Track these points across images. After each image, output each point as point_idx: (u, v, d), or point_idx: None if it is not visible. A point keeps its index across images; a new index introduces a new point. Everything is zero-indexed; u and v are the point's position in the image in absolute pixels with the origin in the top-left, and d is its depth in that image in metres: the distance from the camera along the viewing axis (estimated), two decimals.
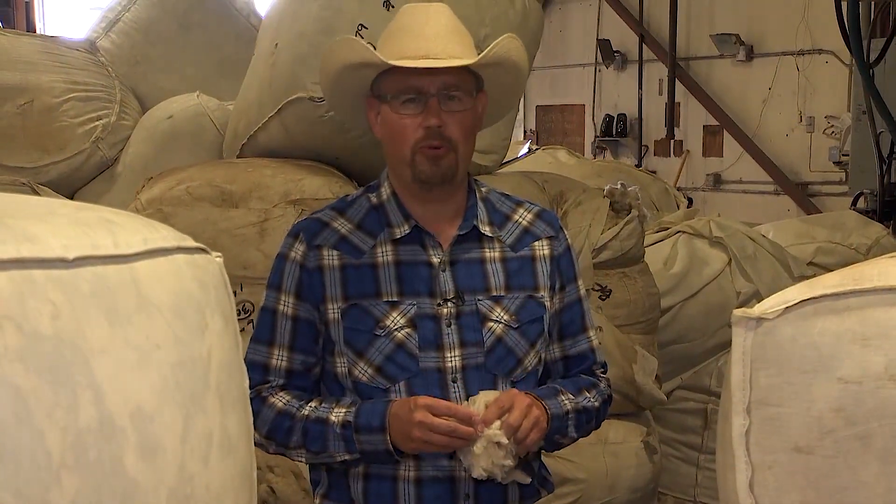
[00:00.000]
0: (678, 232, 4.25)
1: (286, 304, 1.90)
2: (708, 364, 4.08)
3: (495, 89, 1.94)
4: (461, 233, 1.91)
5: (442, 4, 1.93)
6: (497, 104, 2.00)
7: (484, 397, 1.79)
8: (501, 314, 1.89)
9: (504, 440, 1.74)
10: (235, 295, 2.77)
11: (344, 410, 1.83)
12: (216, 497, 1.07)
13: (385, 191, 1.93)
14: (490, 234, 1.93)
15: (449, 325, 1.87)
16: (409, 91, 1.83)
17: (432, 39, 1.84)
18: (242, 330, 1.34)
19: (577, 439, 1.97)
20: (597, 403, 1.96)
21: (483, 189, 1.99)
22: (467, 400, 1.82)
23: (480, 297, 1.89)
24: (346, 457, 1.83)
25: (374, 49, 1.86)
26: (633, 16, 12.48)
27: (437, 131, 1.82)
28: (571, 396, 1.91)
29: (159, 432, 0.98)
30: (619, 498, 3.26)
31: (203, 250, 1.15)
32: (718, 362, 4.03)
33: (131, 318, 0.97)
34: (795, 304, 1.20)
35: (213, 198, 3.13)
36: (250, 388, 1.86)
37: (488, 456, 1.75)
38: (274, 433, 1.87)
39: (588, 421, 1.95)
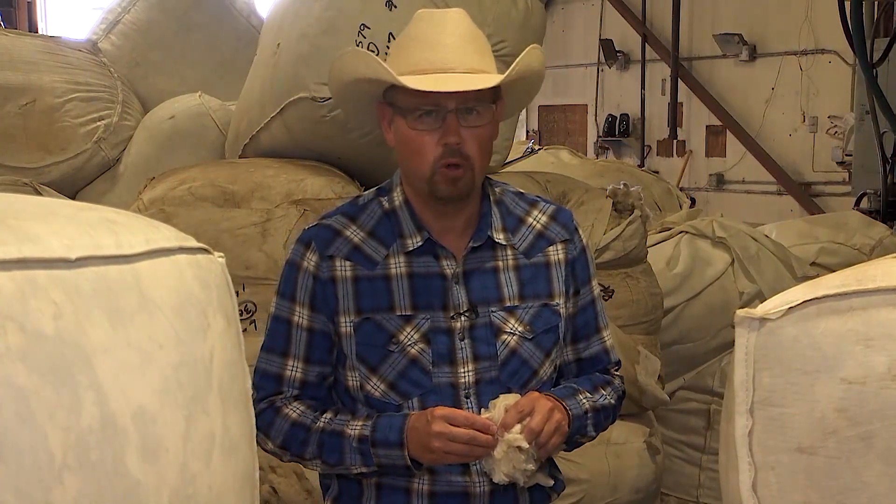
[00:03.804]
0: (681, 232, 4.25)
1: (301, 316, 1.86)
2: (711, 364, 4.08)
3: (512, 93, 1.90)
4: (475, 244, 1.87)
5: (458, 10, 1.86)
6: (512, 105, 1.96)
7: (503, 401, 1.76)
8: (515, 325, 1.86)
9: (525, 444, 1.72)
10: (238, 295, 2.77)
11: (360, 424, 1.81)
12: (218, 497, 1.07)
13: (397, 196, 1.89)
14: (503, 242, 1.89)
15: (462, 339, 1.84)
16: (425, 106, 1.77)
17: (449, 50, 1.78)
18: (244, 330, 1.34)
19: (595, 437, 1.95)
20: (612, 400, 1.95)
21: (497, 190, 1.95)
22: (487, 406, 1.79)
23: (494, 309, 1.85)
24: (364, 469, 1.82)
25: (388, 54, 1.81)
26: (635, 15, 12.49)
27: (456, 149, 1.77)
28: (588, 395, 1.90)
29: (161, 433, 0.98)
30: (622, 498, 3.26)
31: (205, 250, 1.14)
32: (721, 363, 4.03)
33: (133, 319, 0.97)
34: (798, 305, 1.20)
35: (215, 198, 3.13)
36: (262, 399, 1.87)
37: (509, 461, 1.73)
38: (289, 444, 1.86)
39: (606, 419, 1.94)
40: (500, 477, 1.74)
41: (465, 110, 1.78)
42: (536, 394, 1.80)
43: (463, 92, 1.76)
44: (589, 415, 1.88)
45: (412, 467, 1.78)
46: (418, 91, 1.75)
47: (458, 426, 1.72)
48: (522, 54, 1.84)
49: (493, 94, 1.83)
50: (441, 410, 1.74)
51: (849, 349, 1.15)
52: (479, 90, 1.77)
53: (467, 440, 1.71)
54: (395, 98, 1.82)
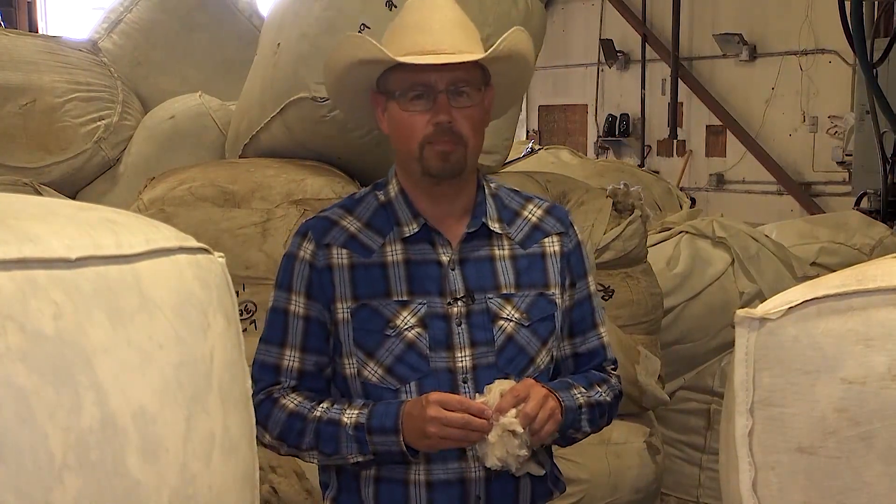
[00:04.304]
0: (681, 232, 4.25)
1: (297, 304, 1.88)
2: (711, 364, 4.08)
3: (502, 82, 1.93)
4: (470, 230, 1.89)
5: None
6: (504, 97, 1.98)
7: (499, 386, 1.77)
8: (512, 312, 1.88)
9: (519, 429, 1.72)
10: (238, 295, 2.77)
11: (356, 412, 1.82)
12: (218, 497, 1.07)
13: (393, 188, 1.92)
14: (499, 231, 1.91)
15: (459, 325, 1.85)
16: (417, 87, 1.81)
17: (439, 33, 1.82)
18: (245, 330, 1.34)
19: (590, 434, 1.95)
20: (608, 398, 1.95)
21: (492, 185, 1.97)
22: (482, 390, 1.80)
23: (490, 296, 1.87)
24: (360, 458, 1.82)
25: (380, 45, 1.84)
26: (635, 15, 12.49)
27: (447, 127, 1.81)
28: (583, 390, 1.90)
29: (161, 433, 0.98)
30: (622, 498, 3.26)
31: (205, 250, 1.15)
32: (721, 363, 4.03)
33: (133, 318, 0.97)
34: (798, 305, 1.20)
35: (215, 198, 3.13)
36: (261, 390, 1.88)
37: (503, 445, 1.73)
38: (286, 435, 1.86)
39: (601, 416, 1.94)
40: (492, 461, 1.75)
41: (455, 92, 1.82)
42: (532, 380, 1.81)
43: (451, 66, 1.80)
44: (583, 409, 1.88)
45: (407, 454, 1.78)
46: (410, 71, 1.79)
47: (453, 410, 1.72)
48: (507, 33, 1.87)
49: (483, 78, 1.87)
50: (436, 395, 1.75)
51: (849, 349, 1.15)
52: (468, 72, 1.82)
53: (462, 424, 1.72)
54: (387, 83, 1.85)
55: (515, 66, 1.92)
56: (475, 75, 1.85)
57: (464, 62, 1.81)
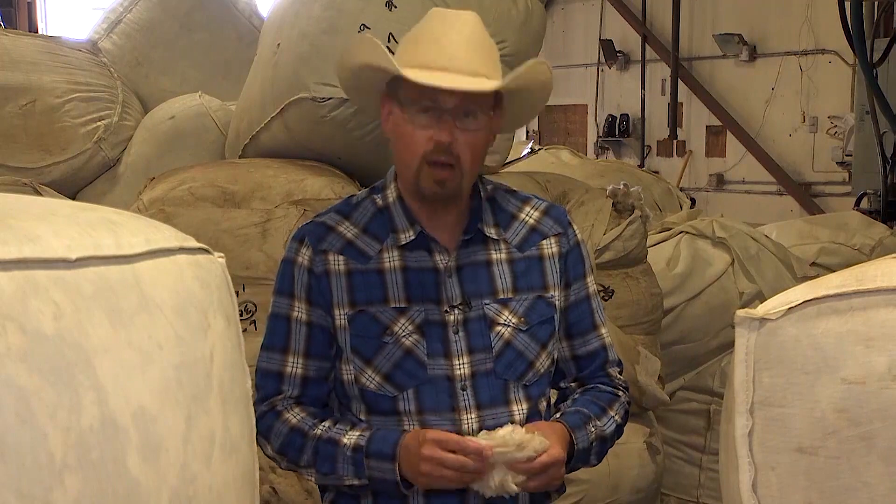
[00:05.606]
0: (681, 232, 4.25)
1: (300, 311, 1.87)
2: (711, 365, 4.08)
3: (515, 106, 1.90)
4: (466, 237, 1.88)
5: (471, 14, 1.86)
6: (520, 114, 1.96)
7: (511, 431, 1.74)
8: (509, 317, 1.87)
9: (512, 488, 1.73)
10: (238, 295, 2.77)
11: (357, 434, 1.81)
12: (218, 497, 1.07)
13: (391, 193, 1.90)
14: (495, 237, 1.90)
15: (456, 332, 1.84)
16: (424, 101, 1.78)
17: (455, 50, 1.78)
18: (245, 330, 1.34)
19: (596, 465, 1.96)
20: (619, 419, 1.94)
21: (488, 187, 1.95)
22: (480, 398, 1.80)
23: (487, 301, 1.86)
24: (355, 481, 1.81)
25: (397, 45, 1.82)
26: (635, 16, 12.49)
27: (446, 147, 1.78)
28: (598, 423, 1.89)
29: (161, 433, 0.98)
30: (622, 498, 3.26)
31: (205, 251, 1.15)
32: (721, 363, 4.03)
33: (133, 319, 0.97)
34: (798, 305, 1.20)
35: (215, 198, 3.13)
36: (264, 400, 1.88)
37: (499, 487, 1.74)
38: (286, 449, 1.86)
39: (606, 449, 1.94)
40: (488, 493, 1.76)
41: (462, 112, 1.78)
42: (558, 454, 1.77)
43: (460, 91, 1.76)
44: (594, 445, 1.88)
45: (400, 485, 1.77)
46: (419, 85, 1.76)
47: (450, 451, 1.71)
48: (527, 65, 1.83)
49: (494, 100, 1.83)
50: (433, 434, 1.73)
51: (849, 349, 1.15)
52: (478, 94, 1.78)
53: (458, 467, 1.71)
54: (397, 89, 1.82)
55: (532, 94, 1.90)
56: (486, 98, 1.80)
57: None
